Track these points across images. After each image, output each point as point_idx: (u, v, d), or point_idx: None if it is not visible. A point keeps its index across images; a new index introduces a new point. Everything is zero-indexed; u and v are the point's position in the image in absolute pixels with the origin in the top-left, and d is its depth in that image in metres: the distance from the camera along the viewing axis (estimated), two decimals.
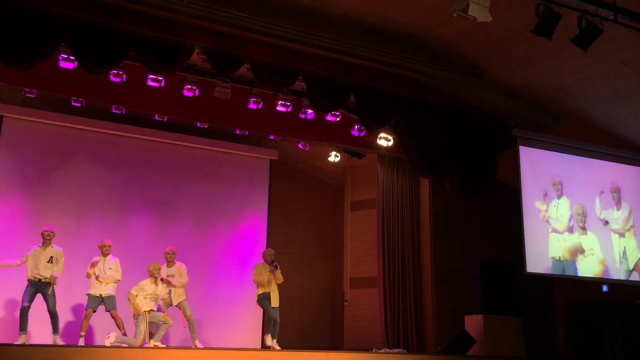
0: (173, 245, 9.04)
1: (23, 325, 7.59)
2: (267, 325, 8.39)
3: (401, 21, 7.69)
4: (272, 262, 8.41)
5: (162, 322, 7.89)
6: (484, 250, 10.08)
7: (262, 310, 9.62)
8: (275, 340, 8.30)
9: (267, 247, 11.12)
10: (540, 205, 8.99)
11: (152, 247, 9.84)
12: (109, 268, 8.18)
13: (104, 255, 8.23)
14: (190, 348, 8.22)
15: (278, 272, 8.37)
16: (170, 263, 8.50)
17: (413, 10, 7.40)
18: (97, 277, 8.09)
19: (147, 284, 7.91)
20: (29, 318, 7.63)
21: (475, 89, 8.82)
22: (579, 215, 9.26)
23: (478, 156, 9.30)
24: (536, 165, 9.16)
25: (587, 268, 9.10)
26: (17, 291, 8.08)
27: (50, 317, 7.82)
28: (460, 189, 9.23)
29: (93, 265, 8.10)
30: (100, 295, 8.07)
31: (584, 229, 9.21)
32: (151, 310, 7.86)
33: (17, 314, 7.76)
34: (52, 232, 7.99)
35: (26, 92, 8.67)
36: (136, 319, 7.81)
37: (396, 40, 8.06)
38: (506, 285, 9.38)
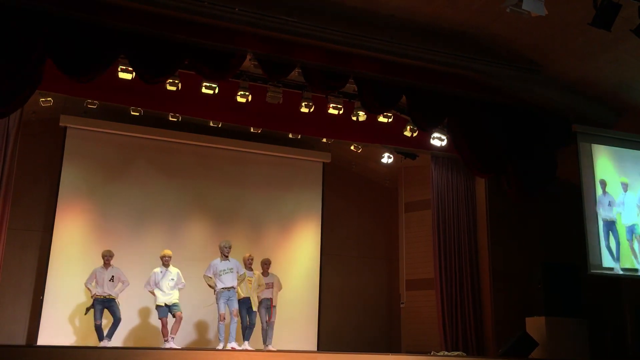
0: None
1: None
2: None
3: (453, 19, 7.56)
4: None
5: None
6: (544, 250, 9.78)
7: (316, 312, 10.43)
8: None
9: (321, 249, 11.20)
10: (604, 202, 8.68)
11: (209, 251, 10.05)
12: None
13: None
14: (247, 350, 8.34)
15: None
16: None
17: (465, 7, 7.26)
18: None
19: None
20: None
21: (532, 85, 8.58)
22: None
23: (536, 154, 9.04)
24: (598, 160, 8.84)
25: None
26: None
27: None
28: (518, 188, 8.99)
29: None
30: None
31: None
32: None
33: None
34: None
35: (88, 103, 9.01)
36: None
37: (448, 39, 7.92)
38: (569, 286, 9.08)
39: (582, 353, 8.80)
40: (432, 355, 9.03)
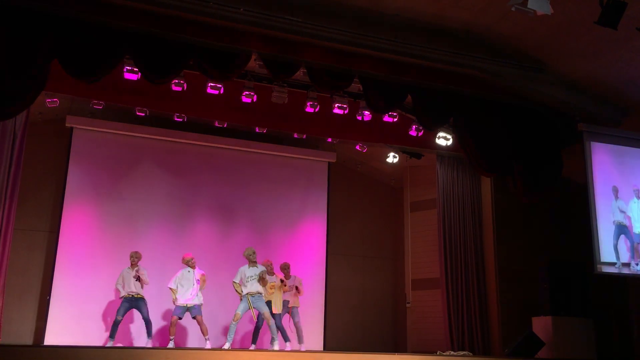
0: (235, 249, 9.20)
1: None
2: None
3: (458, 18, 7.56)
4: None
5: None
6: (550, 250, 9.74)
7: (323, 312, 10.60)
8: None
9: (327, 249, 11.18)
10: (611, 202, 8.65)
11: (215, 251, 10.09)
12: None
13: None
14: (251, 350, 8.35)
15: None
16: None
17: (470, 6, 7.26)
18: None
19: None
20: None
21: (538, 84, 8.55)
22: None
23: (542, 153, 9.02)
24: (604, 160, 8.80)
25: None
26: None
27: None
28: (524, 187, 8.97)
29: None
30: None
31: None
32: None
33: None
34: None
35: (94, 104, 9.02)
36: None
37: (453, 38, 7.92)
38: (575, 286, 9.05)
39: (589, 352, 8.77)
40: (438, 355, 9.02)
